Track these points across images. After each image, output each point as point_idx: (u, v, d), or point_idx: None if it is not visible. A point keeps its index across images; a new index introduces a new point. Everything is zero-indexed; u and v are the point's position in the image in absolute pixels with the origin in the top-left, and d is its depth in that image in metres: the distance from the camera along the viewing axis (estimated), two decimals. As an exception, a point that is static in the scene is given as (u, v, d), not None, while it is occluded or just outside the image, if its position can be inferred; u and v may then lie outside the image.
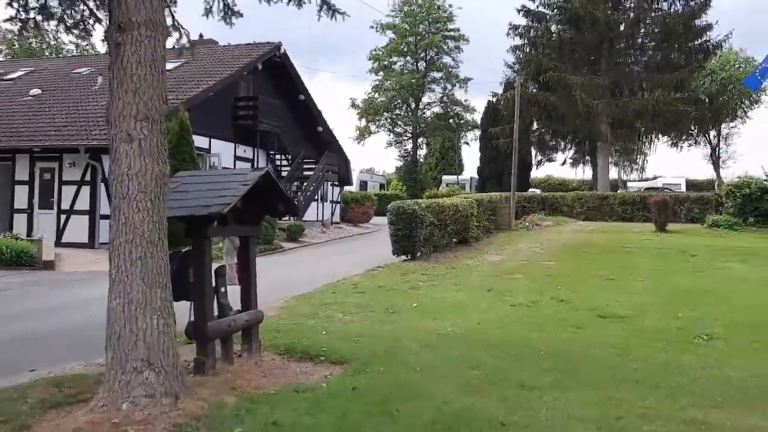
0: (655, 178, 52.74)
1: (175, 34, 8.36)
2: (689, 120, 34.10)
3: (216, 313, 6.70)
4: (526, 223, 25.23)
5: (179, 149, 17.61)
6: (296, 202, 25.50)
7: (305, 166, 27.66)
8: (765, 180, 23.94)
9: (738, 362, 7.15)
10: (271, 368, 6.87)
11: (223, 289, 6.87)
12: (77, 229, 18.62)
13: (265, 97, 25.19)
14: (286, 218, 25.79)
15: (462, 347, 7.69)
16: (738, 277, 13.20)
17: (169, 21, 7.79)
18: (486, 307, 10.28)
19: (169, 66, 23.18)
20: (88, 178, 18.63)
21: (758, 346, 7.86)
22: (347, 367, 6.86)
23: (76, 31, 8.21)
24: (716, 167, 45.65)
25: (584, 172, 45.30)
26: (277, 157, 26.81)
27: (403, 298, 11.09)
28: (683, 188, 40.53)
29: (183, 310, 6.56)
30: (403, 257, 16.25)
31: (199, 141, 20.73)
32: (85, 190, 18.64)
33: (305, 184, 26.62)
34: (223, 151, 22.86)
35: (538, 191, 38.51)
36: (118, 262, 5.39)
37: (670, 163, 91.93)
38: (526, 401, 5.74)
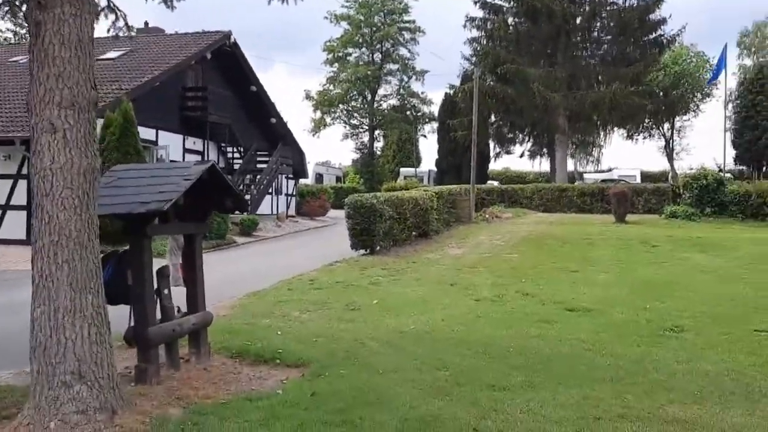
0: (610, 170, 53.48)
1: (111, 17, 7.70)
2: (645, 113, 34.53)
3: (159, 316, 6.15)
4: (486, 216, 25.04)
5: (123, 141, 16.75)
6: (249, 196, 24.76)
7: (258, 159, 26.87)
8: (720, 172, 24.32)
9: (712, 355, 6.91)
10: (222, 374, 6.34)
11: (166, 291, 6.32)
12: (14, 225, 17.55)
13: (215, 87, 24.28)
14: (239, 212, 25.08)
15: (427, 346, 7.27)
16: (698, 268, 13.15)
17: (103, 2, 7.16)
18: (449, 303, 9.89)
19: (112, 54, 22.00)
20: (24, 171, 17.54)
21: (728, 338, 7.65)
22: (305, 371, 6.39)
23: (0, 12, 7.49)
24: (670, 159, 46.45)
25: (541, 165, 45.60)
26: (229, 149, 25.96)
27: (363, 295, 10.62)
28: (638, 180, 41.18)
29: (123, 316, 5.98)
30: (362, 252, 15.77)
31: (146, 133, 19.85)
32: (22, 185, 17.52)
33: (258, 177, 25.84)
34: (171, 144, 21.94)
35: (496, 183, 38.47)
36: (41, 266, 4.85)
37: (625, 156, 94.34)
38: (498, 404, 5.35)
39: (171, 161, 21.94)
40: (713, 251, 15.47)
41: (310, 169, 41.94)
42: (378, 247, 15.80)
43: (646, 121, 40.55)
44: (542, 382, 5.93)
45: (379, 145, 54.43)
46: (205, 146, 24.14)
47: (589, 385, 5.86)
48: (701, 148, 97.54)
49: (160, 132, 21.78)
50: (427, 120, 52.67)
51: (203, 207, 6.73)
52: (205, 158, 24.15)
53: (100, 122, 17.94)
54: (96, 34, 5.31)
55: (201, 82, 24.22)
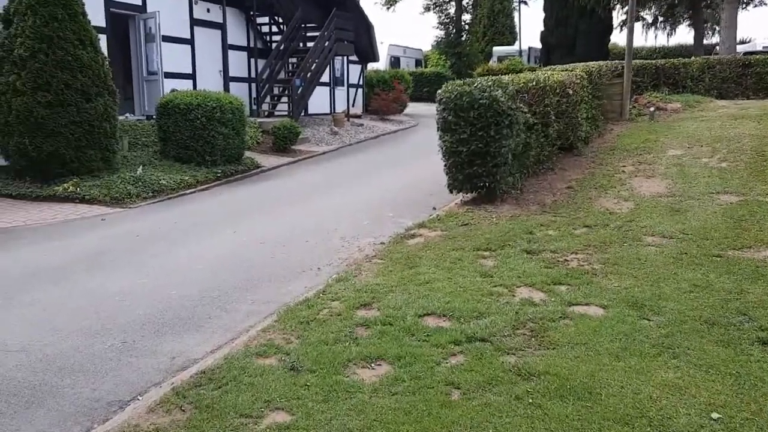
0: (746, 42, 43.43)
1: None
2: None
3: None
4: (651, 109, 16.35)
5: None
6: (290, 89, 17.24)
7: (308, 36, 18.95)
8: None
9: None
10: None
11: None
12: None
13: None
14: (284, 110, 17.61)
15: None
16: None
17: None
18: None
19: None
20: None
21: None
22: None
23: None
24: None
25: (657, 39, 35.09)
26: (262, 21, 18.11)
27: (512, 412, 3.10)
28: (787, 50, 31.71)
29: None
30: (471, 195, 8.12)
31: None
32: None
33: (304, 60, 17.92)
34: (164, 10, 14.34)
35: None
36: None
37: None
38: None
39: (165, 38, 14.49)
40: None
41: (383, 51, 33.47)
42: (504, 186, 8.02)
43: None
44: None
45: (467, 18, 44.49)
46: (224, 15, 16.40)
47: None
48: None
49: (146, -8, 14.30)
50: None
51: None
52: (225, 32, 16.56)
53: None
54: None
55: None
